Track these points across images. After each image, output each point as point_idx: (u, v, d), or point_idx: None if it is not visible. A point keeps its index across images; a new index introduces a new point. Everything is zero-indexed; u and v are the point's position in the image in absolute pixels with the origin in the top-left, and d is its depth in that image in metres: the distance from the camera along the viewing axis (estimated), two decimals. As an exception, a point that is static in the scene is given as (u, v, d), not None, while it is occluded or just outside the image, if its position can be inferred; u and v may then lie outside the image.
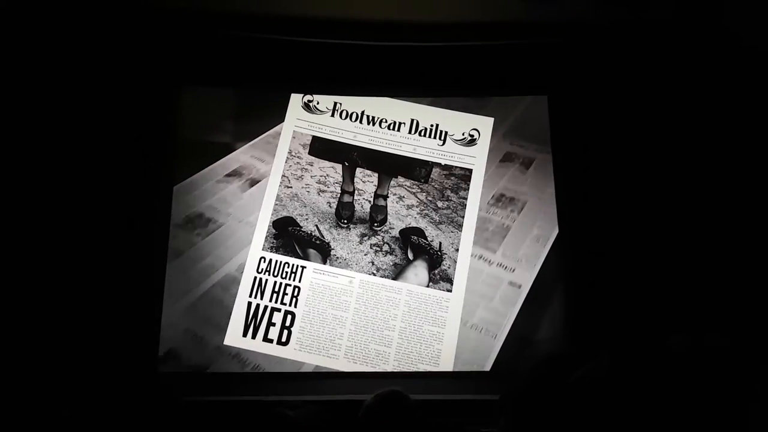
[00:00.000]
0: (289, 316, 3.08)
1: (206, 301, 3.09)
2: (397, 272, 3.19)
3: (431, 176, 3.41)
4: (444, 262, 3.21)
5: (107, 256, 3.02)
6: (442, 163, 3.42)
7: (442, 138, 3.47)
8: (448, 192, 3.38)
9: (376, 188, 3.39)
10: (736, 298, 2.87)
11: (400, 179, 3.41)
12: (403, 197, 3.37)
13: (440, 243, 3.25)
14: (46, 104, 3.10)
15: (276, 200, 3.31)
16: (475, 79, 3.52)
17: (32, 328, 2.80)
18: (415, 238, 3.26)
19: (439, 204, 3.35)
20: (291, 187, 3.35)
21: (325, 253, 3.22)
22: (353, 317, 3.09)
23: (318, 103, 3.52)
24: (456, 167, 3.42)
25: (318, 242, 3.24)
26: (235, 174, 3.36)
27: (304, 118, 3.50)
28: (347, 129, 3.49)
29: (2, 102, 2.98)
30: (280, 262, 3.18)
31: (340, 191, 3.37)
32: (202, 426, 2.61)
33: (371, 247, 3.24)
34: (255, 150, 3.43)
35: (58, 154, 3.09)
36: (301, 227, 3.27)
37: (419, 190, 3.39)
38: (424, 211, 3.33)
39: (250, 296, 3.11)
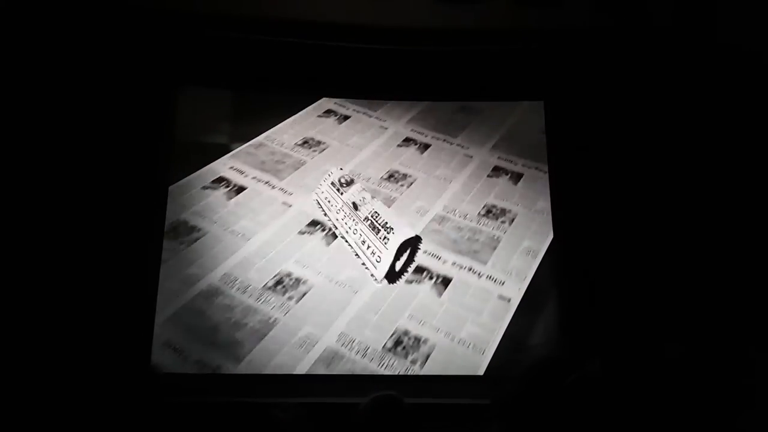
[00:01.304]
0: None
1: (199, 302, 3.06)
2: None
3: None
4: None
5: (101, 255, 3.00)
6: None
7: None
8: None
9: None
10: (729, 307, 2.88)
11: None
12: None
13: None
14: (43, 104, 3.09)
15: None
16: (471, 84, 3.53)
17: (24, 327, 2.77)
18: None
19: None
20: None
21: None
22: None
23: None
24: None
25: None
26: (220, 181, 3.38)
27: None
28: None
29: (-1, 101, 2.98)
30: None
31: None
32: (193, 427, 2.60)
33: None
34: (237, 159, 3.47)
35: (54, 153, 3.08)
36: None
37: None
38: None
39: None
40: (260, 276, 3.13)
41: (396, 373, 2.93)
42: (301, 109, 3.67)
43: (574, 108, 3.43)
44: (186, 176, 3.34)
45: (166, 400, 2.74)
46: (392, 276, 3.16)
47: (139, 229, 3.11)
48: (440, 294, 3.12)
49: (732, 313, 2.82)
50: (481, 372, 2.96)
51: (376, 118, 3.75)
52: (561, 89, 3.50)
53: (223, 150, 3.45)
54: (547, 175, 3.47)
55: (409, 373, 2.94)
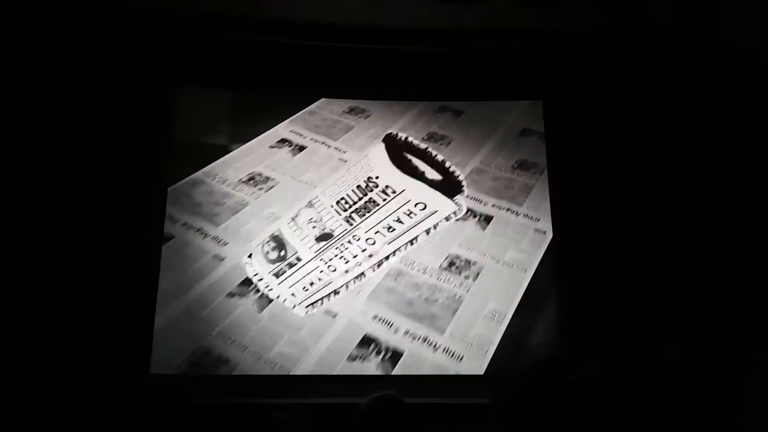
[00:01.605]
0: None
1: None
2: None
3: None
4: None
5: (100, 256, 3.00)
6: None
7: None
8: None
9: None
10: (729, 307, 2.88)
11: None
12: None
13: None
14: (42, 104, 3.09)
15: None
16: (471, 84, 3.53)
17: (22, 327, 2.77)
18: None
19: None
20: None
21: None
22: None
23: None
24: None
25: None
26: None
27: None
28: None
29: (-2, 102, 2.97)
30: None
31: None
32: (194, 428, 2.60)
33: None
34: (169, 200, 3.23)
35: (53, 153, 3.07)
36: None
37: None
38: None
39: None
40: (172, 355, 2.78)
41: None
42: (301, 109, 3.63)
43: (574, 108, 3.43)
44: (185, 176, 3.31)
45: (167, 400, 2.75)
46: (447, 188, 3.02)
47: (138, 229, 3.10)
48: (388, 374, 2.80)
49: (732, 313, 2.82)
50: (481, 372, 2.96)
51: (336, 149, 3.43)
52: (560, 89, 3.50)
53: (222, 150, 3.42)
54: (518, 219, 3.28)
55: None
